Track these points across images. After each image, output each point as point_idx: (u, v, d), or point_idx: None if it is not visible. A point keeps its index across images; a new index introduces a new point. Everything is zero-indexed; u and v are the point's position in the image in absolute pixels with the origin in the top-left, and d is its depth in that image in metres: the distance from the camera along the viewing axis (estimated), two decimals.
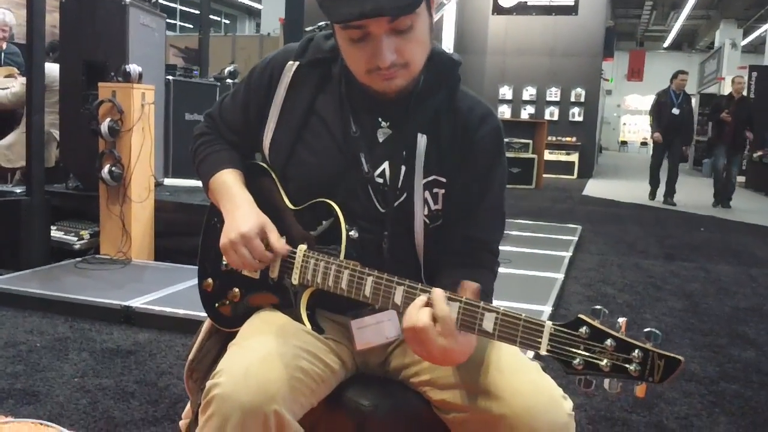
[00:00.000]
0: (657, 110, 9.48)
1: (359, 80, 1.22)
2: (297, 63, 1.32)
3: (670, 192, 9.63)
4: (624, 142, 32.21)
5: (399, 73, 1.17)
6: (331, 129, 1.29)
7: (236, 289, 1.34)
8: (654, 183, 10.02)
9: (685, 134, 9.59)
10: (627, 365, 0.95)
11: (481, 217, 1.29)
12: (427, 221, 1.28)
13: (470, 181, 1.27)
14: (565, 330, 0.99)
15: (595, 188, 12.05)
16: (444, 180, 1.27)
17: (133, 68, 4.01)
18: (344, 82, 1.29)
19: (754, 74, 14.08)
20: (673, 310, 4.00)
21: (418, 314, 1.07)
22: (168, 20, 5.39)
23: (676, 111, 9.21)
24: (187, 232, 4.03)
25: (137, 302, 3.24)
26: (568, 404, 1.15)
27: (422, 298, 1.09)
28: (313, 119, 1.30)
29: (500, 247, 1.33)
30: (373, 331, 1.24)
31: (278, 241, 1.25)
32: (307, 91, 1.31)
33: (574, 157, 14.31)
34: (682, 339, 3.42)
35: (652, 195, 10.07)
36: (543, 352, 1.00)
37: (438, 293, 1.07)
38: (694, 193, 11.23)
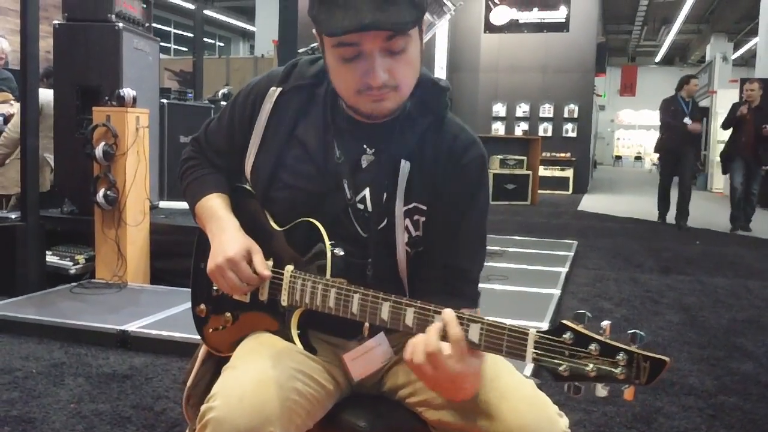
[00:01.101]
0: (672, 118, 8.16)
1: (347, 102, 1.23)
2: (279, 89, 1.33)
3: (683, 214, 8.38)
4: (618, 157, 32.42)
5: (389, 95, 1.17)
6: (314, 154, 1.28)
7: (228, 314, 1.33)
8: (664, 205, 8.81)
9: (698, 147, 8.56)
10: (613, 369, 0.94)
11: (462, 245, 1.27)
12: (408, 248, 1.27)
13: (452, 208, 1.26)
14: (549, 337, 0.98)
15: (590, 203, 12.08)
16: (425, 208, 1.27)
17: (127, 92, 4.02)
18: (329, 107, 1.29)
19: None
20: (671, 323, 3.99)
21: (428, 341, 1.03)
22: (162, 44, 5.41)
23: (688, 121, 8.07)
24: (183, 254, 3.99)
25: (133, 326, 3.23)
26: (563, 421, 1.14)
27: (420, 338, 1.05)
28: (296, 145, 1.30)
29: (496, 264, 1.34)
30: (366, 359, 1.24)
31: (261, 264, 1.24)
32: (290, 116, 1.31)
33: (568, 173, 14.39)
34: (680, 352, 3.42)
35: (662, 218, 8.84)
36: (529, 361, 0.99)
37: (449, 313, 1.04)
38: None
